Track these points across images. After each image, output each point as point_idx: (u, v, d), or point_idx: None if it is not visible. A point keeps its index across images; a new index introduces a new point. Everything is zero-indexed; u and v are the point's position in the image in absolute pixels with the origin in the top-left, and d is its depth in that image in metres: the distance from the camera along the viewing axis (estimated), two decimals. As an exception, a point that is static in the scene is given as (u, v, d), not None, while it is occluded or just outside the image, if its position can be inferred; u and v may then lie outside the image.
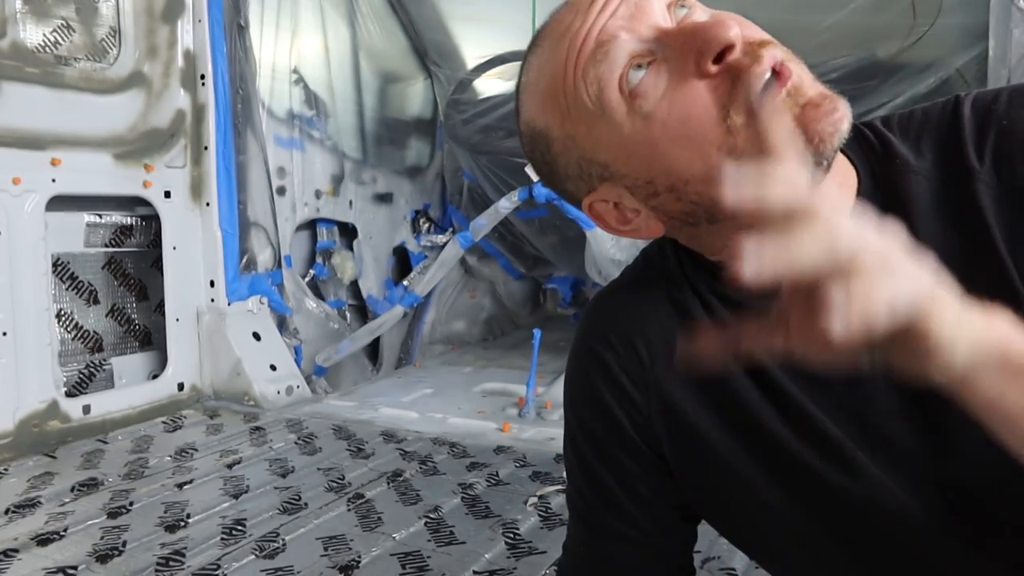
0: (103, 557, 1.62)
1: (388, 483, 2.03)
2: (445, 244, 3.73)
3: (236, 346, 2.90)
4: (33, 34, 2.49)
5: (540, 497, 1.89)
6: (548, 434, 2.45)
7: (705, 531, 0.79)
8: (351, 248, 3.82)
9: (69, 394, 2.61)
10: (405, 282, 3.91)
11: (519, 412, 2.74)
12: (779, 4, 2.66)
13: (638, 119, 0.59)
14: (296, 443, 2.39)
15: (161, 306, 2.90)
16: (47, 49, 2.52)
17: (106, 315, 2.84)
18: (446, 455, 2.26)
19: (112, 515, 1.85)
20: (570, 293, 4.58)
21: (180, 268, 2.86)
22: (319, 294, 3.68)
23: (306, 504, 1.89)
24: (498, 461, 2.18)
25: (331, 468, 2.15)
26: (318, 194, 3.60)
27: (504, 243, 4.09)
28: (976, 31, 2.49)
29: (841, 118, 0.57)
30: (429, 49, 4.19)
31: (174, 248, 2.84)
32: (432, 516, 1.79)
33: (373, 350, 3.89)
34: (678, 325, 0.70)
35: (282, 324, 3.22)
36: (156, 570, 1.57)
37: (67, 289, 2.72)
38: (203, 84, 2.90)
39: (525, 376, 2.79)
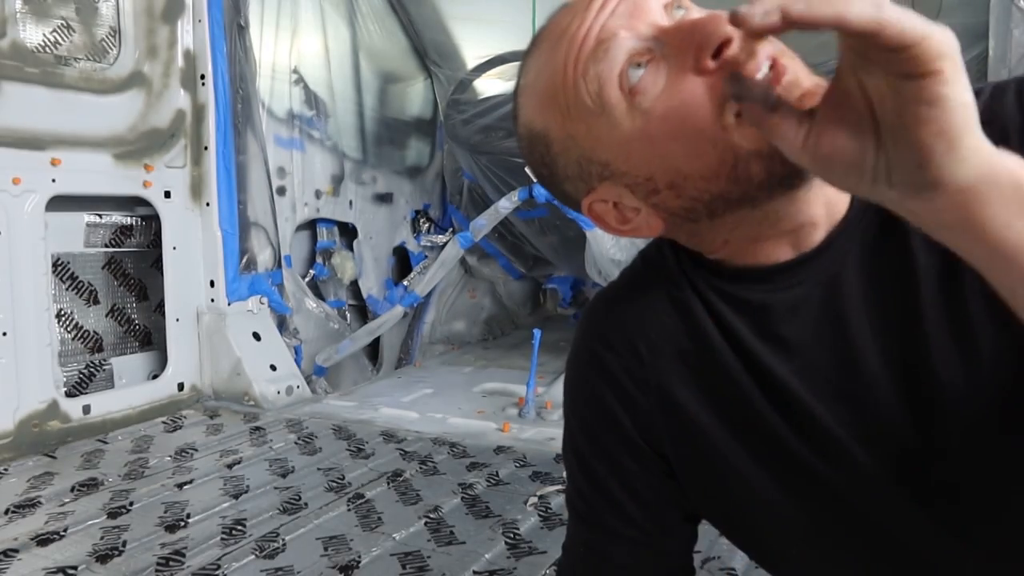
0: (103, 557, 1.62)
1: (388, 483, 2.02)
2: (445, 244, 3.73)
3: (236, 346, 2.90)
4: (33, 34, 2.49)
5: (540, 497, 1.89)
6: (548, 434, 2.45)
7: (705, 531, 0.79)
8: (351, 248, 3.82)
9: (69, 394, 2.61)
10: (405, 282, 3.92)
11: (519, 412, 2.74)
12: (779, 4, 2.65)
13: (638, 116, 0.59)
14: (296, 443, 2.39)
15: (161, 306, 2.90)
16: (47, 49, 2.52)
17: (106, 315, 2.84)
18: (446, 455, 2.26)
19: (112, 515, 1.85)
20: (570, 293, 4.57)
21: (180, 268, 2.86)
22: (319, 294, 3.67)
23: (306, 504, 1.89)
24: (498, 461, 2.18)
25: (331, 468, 2.15)
26: (318, 194, 3.60)
27: (504, 243, 4.08)
28: (976, 31, 2.49)
29: None
30: (429, 49, 4.19)
31: (174, 248, 2.84)
32: (432, 516, 1.79)
33: (373, 350, 3.89)
34: (678, 324, 0.70)
35: (282, 324, 3.22)
36: (156, 570, 1.57)
37: (67, 289, 2.72)
38: (203, 84, 2.90)
39: (525, 376, 2.79)
